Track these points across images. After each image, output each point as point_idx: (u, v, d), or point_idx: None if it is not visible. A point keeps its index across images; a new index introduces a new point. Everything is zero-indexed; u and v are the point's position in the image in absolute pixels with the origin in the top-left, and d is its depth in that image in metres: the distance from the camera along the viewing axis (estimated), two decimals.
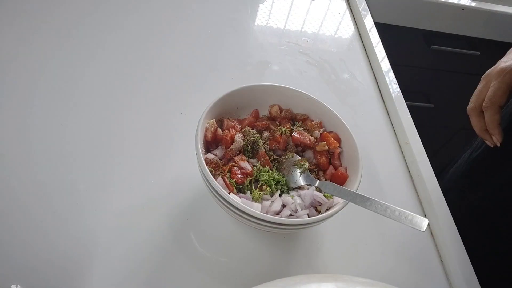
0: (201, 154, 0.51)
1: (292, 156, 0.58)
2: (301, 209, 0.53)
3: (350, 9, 1.05)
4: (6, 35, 0.71)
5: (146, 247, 0.53)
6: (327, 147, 0.59)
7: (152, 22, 0.84)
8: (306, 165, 0.57)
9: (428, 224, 0.48)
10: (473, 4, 1.18)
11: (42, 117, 0.62)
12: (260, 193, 0.52)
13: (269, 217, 0.47)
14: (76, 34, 0.76)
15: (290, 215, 0.52)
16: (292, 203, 0.53)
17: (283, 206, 0.53)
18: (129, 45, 0.77)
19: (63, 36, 0.74)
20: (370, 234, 0.62)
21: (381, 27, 0.99)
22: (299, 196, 0.54)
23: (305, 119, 0.62)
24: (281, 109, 0.63)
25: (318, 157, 0.59)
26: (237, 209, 0.48)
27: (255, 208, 0.48)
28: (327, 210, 0.53)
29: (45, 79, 0.67)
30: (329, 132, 0.60)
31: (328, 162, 0.59)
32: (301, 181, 0.56)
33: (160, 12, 0.86)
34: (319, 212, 0.54)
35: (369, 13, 1.01)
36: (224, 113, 0.60)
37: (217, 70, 0.79)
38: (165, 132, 0.66)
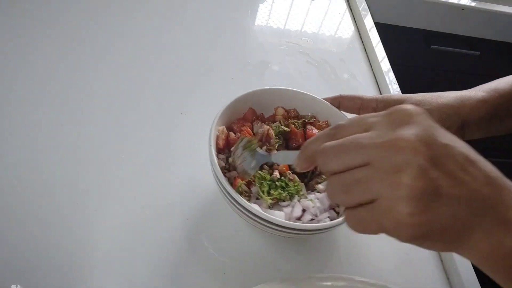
0: (217, 166, 0.49)
1: (241, 141, 0.51)
2: (321, 213, 0.52)
3: (350, 9, 1.05)
4: (16, 38, 0.71)
5: (146, 248, 0.53)
6: None
7: (151, 22, 0.83)
8: (255, 143, 0.51)
9: None
10: (473, 4, 1.18)
11: (42, 117, 0.62)
12: (270, 200, 0.51)
13: (295, 224, 0.47)
14: (77, 36, 0.76)
15: (312, 219, 0.52)
16: (313, 207, 0.52)
17: (303, 211, 0.52)
18: (128, 45, 0.77)
19: (66, 39, 0.74)
20: (369, 234, 0.62)
21: (381, 27, 0.99)
22: (317, 199, 0.53)
23: (313, 121, 0.62)
24: (287, 111, 0.62)
25: None
26: (259, 217, 0.47)
27: (277, 216, 0.47)
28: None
29: (45, 80, 0.67)
30: None
31: None
32: (256, 163, 0.50)
33: (159, 12, 0.86)
34: (338, 214, 0.53)
35: (369, 13, 1.01)
36: (231, 121, 0.59)
37: (217, 70, 0.79)
38: (165, 132, 0.66)
